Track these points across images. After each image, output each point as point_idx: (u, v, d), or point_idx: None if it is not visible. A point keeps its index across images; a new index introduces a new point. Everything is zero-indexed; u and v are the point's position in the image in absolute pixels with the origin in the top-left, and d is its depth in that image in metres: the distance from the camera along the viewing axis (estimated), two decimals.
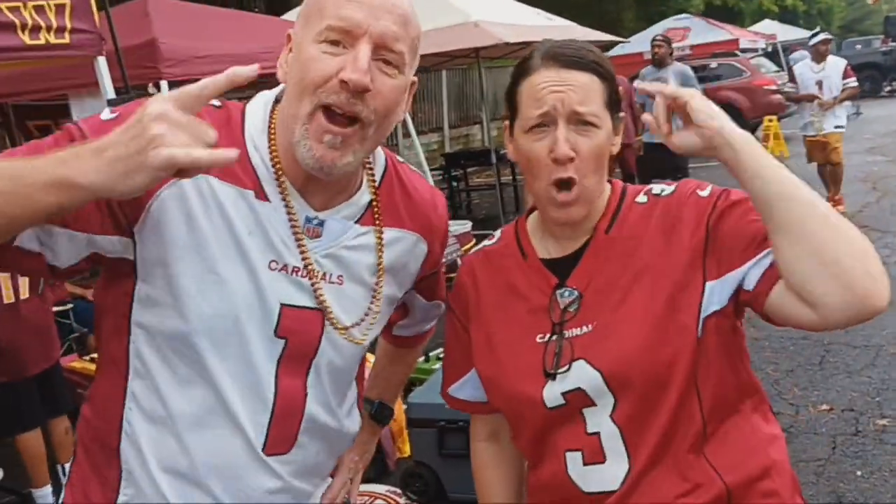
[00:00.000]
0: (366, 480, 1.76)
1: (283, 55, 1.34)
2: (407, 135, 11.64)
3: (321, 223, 1.36)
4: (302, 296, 1.34)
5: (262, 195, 1.31)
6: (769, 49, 22.56)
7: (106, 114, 1.27)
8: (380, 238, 1.42)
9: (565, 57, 1.39)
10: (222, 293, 1.28)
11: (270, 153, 1.33)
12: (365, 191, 1.42)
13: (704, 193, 1.40)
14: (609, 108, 1.41)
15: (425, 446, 3.83)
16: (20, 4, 3.29)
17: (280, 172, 1.33)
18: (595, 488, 1.41)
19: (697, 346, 1.35)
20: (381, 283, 1.43)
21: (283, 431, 1.36)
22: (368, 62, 1.23)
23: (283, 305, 1.32)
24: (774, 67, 19.56)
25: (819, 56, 9.36)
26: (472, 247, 8.43)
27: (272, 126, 1.35)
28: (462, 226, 8.51)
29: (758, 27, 28.02)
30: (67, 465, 4.17)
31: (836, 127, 9.10)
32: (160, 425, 1.32)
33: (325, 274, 1.36)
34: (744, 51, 19.59)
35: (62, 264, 1.25)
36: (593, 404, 1.39)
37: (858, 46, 27.48)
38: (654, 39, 9.00)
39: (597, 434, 1.39)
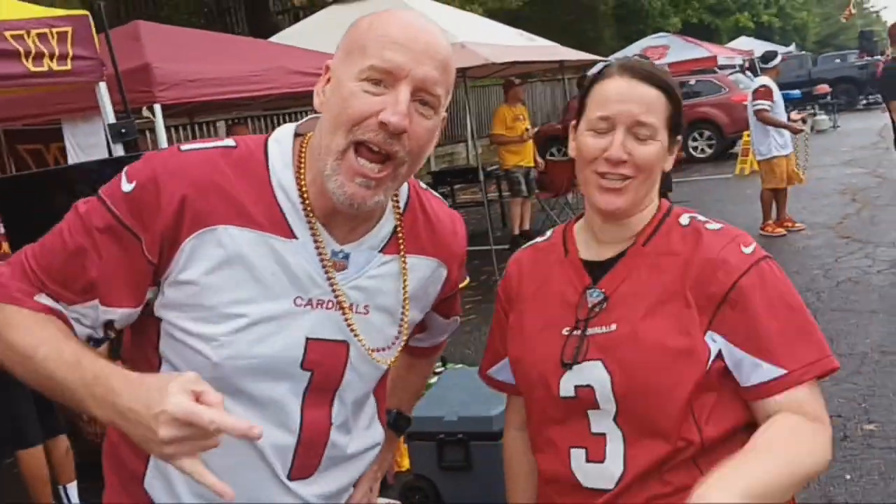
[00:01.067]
0: None
1: (320, 84, 1.36)
2: None
3: (346, 256, 1.38)
4: (329, 329, 1.37)
5: (287, 233, 1.33)
6: (746, 65, 22.84)
7: (125, 184, 1.29)
8: (404, 266, 1.45)
9: (640, 71, 1.48)
10: (247, 336, 1.31)
11: (299, 188, 1.35)
12: (389, 219, 1.44)
13: (747, 250, 1.44)
14: (669, 127, 1.49)
15: (425, 459, 3.86)
16: (24, 32, 3.35)
17: (309, 208, 1.34)
18: (593, 484, 1.48)
19: (704, 379, 1.40)
20: (406, 310, 1.46)
21: (307, 460, 1.42)
22: (408, 105, 1.26)
23: (308, 340, 1.36)
24: (752, 84, 19.76)
25: (778, 76, 9.12)
26: None
27: (301, 160, 1.36)
28: None
29: (734, 44, 28.38)
30: (70, 487, 4.18)
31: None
32: None
33: (351, 305, 1.39)
34: (722, 67, 19.83)
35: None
36: (598, 407, 1.46)
37: (837, 61, 27.96)
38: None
39: (603, 436, 1.47)
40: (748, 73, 19.91)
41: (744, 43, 28.50)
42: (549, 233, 1.70)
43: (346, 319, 1.38)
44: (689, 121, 15.85)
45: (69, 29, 3.53)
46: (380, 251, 1.43)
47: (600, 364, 1.45)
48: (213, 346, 1.31)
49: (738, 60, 22.74)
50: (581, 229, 1.61)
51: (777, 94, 8.74)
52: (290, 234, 1.34)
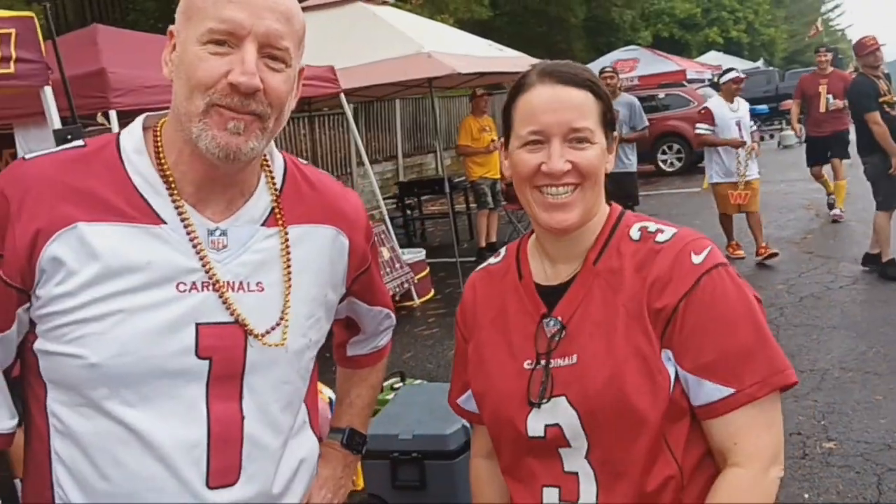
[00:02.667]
0: None
1: (166, 52, 1.32)
2: (361, 163, 11.64)
3: (224, 233, 1.34)
4: (216, 311, 1.31)
5: (154, 219, 1.30)
6: (715, 79, 23.07)
7: None
8: (285, 237, 1.40)
9: (561, 74, 1.40)
10: (129, 328, 1.26)
11: (162, 172, 1.32)
12: (263, 191, 1.40)
13: (697, 260, 1.36)
14: (604, 126, 1.41)
15: (378, 478, 3.77)
16: None
17: (174, 191, 1.31)
18: None
19: (670, 407, 1.34)
20: (290, 282, 1.39)
21: (225, 460, 1.32)
22: (255, 62, 1.24)
23: (199, 325, 1.29)
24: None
25: (731, 95, 8.55)
26: (426, 275, 8.47)
27: (158, 147, 1.33)
28: (416, 254, 8.50)
29: (704, 58, 28.70)
30: None
31: (758, 173, 8.53)
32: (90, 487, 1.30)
33: (241, 283, 1.34)
34: (690, 81, 20.00)
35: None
36: (568, 445, 1.38)
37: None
38: (602, 71, 9.14)
39: (575, 474, 1.39)
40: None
41: (713, 58, 28.82)
42: (502, 251, 1.61)
43: (225, 300, 1.31)
44: (658, 134, 15.95)
45: (12, 31, 3.41)
46: (262, 225, 1.38)
47: (564, 400, 1.37)
48: (93, 347, 1.25)
49: (706, 75, 22.94)
50: (534, 248, 1.53)
51: (729, 113, 8.40)
52: (158, 220, 1.30)
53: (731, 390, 1.32)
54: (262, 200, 1.39)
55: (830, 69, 10.25)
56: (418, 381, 5.05)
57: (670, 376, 1.34)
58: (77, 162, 1.31)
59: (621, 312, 1.37)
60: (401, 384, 4.71)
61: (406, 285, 8.00)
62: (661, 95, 17.67)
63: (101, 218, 1.27)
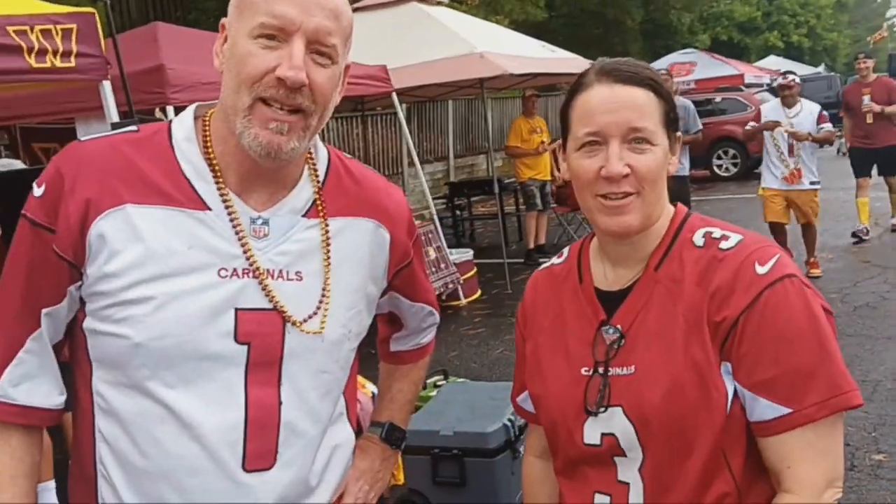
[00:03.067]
0: None
1: (217, 44, 1.36)
2: (412, 163, 11.70)
3: (265, 222, 1.37)
4: (256, 298, 1.34)
5: (200, 205, 1.33)
6: (773, 84, 22.67)
7: (36, 191, 1.32)
8: (325, 228, 1.42)
9: (621, 73, 1.35)
10: (171, 312, 1.29)
11: (208, 160, 1.35)
12: (307, 183, 1.43)
13: (761, 270, 1.29)
14: (666, 127, 1.36)
15: (419, 474, 3.81)
16: (27, 28, 3.34)
17: (220, 179, 1.35)
18: None
19: (727, 422, 1.30)
20: (329, 273, 1.41)
21: (261, 445, 1.34)
22: (303, 58, 1.27)
23: (237, 310, 1.32)
24: None
25: (784, 99, 7.96)
26: (473, 276, 8.48)
27: (206, 136, 1.37)
28: (464, 254, 8.52)
29: (763, 63, 28.20)
30: (45, 487, 4.14)
31: (812, 183, 7.80)
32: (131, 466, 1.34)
33: (280, 272, 1.36)
34: (749, 86, 19.68)
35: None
36: (624, 455, 1.36)
37: None
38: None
39: (627, 485, 1.37)
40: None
41: (773, 62, 28.29)
42: (565, 252, 1.58)
43: (265, 287, 1.34)
44: (714, 139, 15.72)
45: (74, 26, 3.51)
46: (303, 216, 1.41)
47: (620, 411, 1.35)
48: (136, 328, 1.29)
49: (765, 79, 22.56)
50: (595, 250, 1.49)
51: (779, 116, 7.88)
52: (204, 206, 1.33)
53: (788, 410, 1.26)
54: (304, 192, 1.42)
55: (874, 76, 9.68)
56: (461, 380, 5.07)
57: (728, 392, 1.30)
58: (130, 144, 1.35)
59: (680, 323, 1.32)
60: (444, 382, 4.73)
61: (451, 286, 8.01)
62: (718, 99, 17.40)
63: (149, 201, 1.31)
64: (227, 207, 1.34)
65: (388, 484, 4.22)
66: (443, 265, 7.94)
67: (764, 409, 1.28)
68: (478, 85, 8.89)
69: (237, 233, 1.34)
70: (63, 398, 1.38)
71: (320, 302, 1.40)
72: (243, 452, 1.33)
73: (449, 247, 8.39)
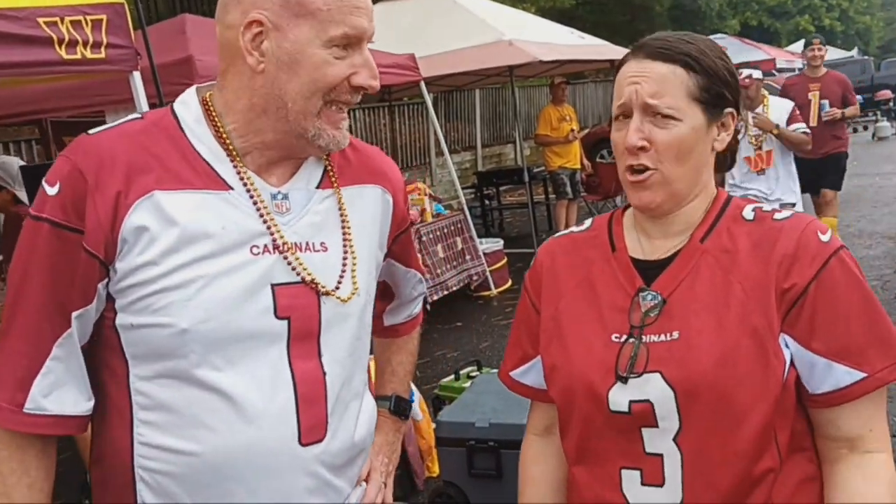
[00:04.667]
0: (395, 499, 1.72)
1: (248, 40, 1.30)
2: (440, 153, 11.65)
3: (286, 196, 1.38)
4: (288, 272, 1.35)
5: (222, 185, 1.34)
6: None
7: (49, 190, 1.29)
8: (339, 197, 1.45)
9: (651, 47, 1.36)
10: (212, 293, 1.29)
11: (220, 141, 1.35)
12: (315, 157, 1.45)
13: (825, 238, 1.32)
14: (699, 102, 1.34)
15: (454, 466, 3.77)
16: (57, 19, 3.32)
17: (235, 156, 1.35)
18: None
19: (782, 394, 1.29)
20: (349, 239, 1.44)
21: (312, 418, 1.35)
22: None
23: (273, 286, 1.33)
24: None
25: (746, 102, 5.78)
26: (502, 266, 8.43)
27: (212, 115, 1.36)
28: (494, 244, 8.47)
29: (794, 47, 27.77)
30: None
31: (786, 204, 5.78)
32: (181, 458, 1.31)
33: (308, 244, 1.38)
34: (780, 70, 19.39)
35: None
36: (655, 425, 1.32)
37: None
38: None
39: (659, 456, 1.32)
40: None
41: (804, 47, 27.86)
42: (587, 222, 1.55)
43: (293, 260, 1.36)
44: None
45: (104, 17, 3.50)
46: (317, 187, 1.44)
47: (659, 377, 1.30)
48: (181, 314, 1.27)
49: (797, 63, 22.23)
50: (630, 223, 1.47)
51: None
52: (226, 186, 1.34)
53: (863, 374, 1.28)
54: (315, 165, 1.45)
55: (824, 70, 7.67)
56: (494, 370, 5.02)
57: (786, 361, 1.29)
58: (142, 133, 1.34)
59: (736, 291, 1.31)
60: (477, 373, 4.68)
61: (477, 277, 7.99)
62: None
63: (175, 186, 1.30)
64: (245, 186, 1.35)
65: (423, 477, 4.20)
66: (468, 256, 7.90)
67: (839, 375, 1.28)
68: (506, 73, 8.83)
69: (259, 210, 1.35)
70: (91, 403, 1.35)
71: (344, 269, 1.42)
72: (298, 428, 1.33)
73: (478, 236, 8.34)
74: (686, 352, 1.30)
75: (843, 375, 1.28)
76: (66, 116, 6.26)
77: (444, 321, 7.33)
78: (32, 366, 1.28)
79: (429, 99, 8.98)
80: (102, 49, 3.53)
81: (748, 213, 1.39)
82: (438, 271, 7.46)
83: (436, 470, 4.05)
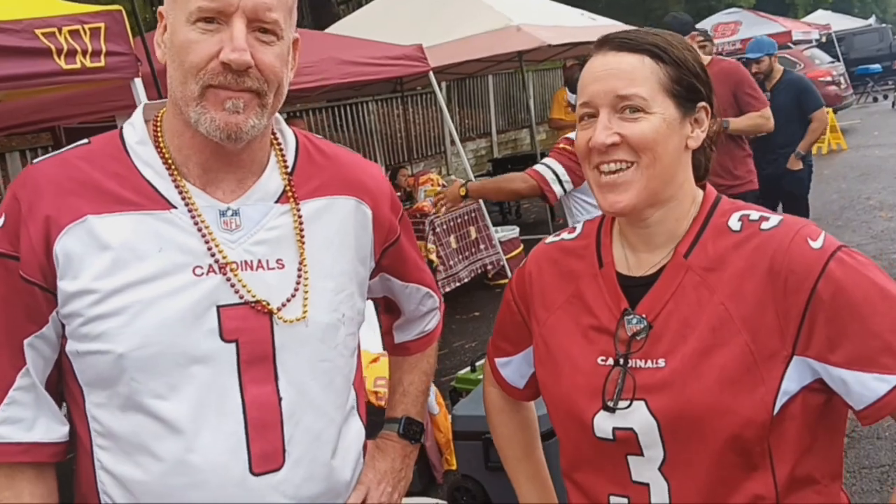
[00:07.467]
0: (413, 493, 1.68)
1: (158, 34, 1.32)
2: (454, 142, 11.60)
3: (236, 213, 1.33)
4: (233, 293, 1.30)
5: (164, 205, 1.30)
6: (823, 40, 22.00)
7: None
8: (297, 212, 1.38)
9: (616, 41, 1.29)
10: (150, 318, 1.25)
11: (163, 159, 1.32)
12: (274, 169, 1.39)
13: (816, 244, 1.21)
14: (671, 95, 1.27)
15: (471, 459, 3.76)
16: (55, 30, 3.33)
17: (176, 175, 1.31)
18: None
19: (772, 423, 1.20)
20: (304, 256, 1.37)
21: (265, 445, 1.30)
22: (245, 38, 1.23)
23: (219, 307, 1.28)
24: (829, 58, 19.06)
25: None
26: (518, 253, 8.39)
27: (158, 136, 1.34)
28: (510, 231, 8.44)
29: (811, 18, 27.35)
30: None
31: None
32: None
33: (260, 262, 1.32)
34: (797, 43, 19.11)
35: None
36: (640, 454, 1.27)
37: None
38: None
39: (646, 485, 1.28)
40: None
41: (821, 17, 27.38)
42: (578, 228, 1.47)
43: (235, 280, 1.30)
44: None
45: (101, 25, 3.50)
46: (276, 202, 1.37)
47: (643, 406, 1.25)
48: (117, 340, 1.24)
49: (814, 35, 21.89)
50: (617, 233, 1.40)
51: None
52: (167, 205, 1.30)
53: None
54: (273, 177, 1.39)
55: (708, 58, 5.24)
56: None
57: (779, 387, 1.20)
58: (82, 159, 1.31)
59: (721, 313, 1.23)
60: None
61: (492, 267, 7.96)
62: None
63: (111, 209, 1.27)
64: (186, 203, 1.30)
65: (442, 470, 4.19)
66: (482, 246, 7.88)
67: (874, 385, 1.16)
68: (516, 58, 8.76)
69: (200, 229, 1.30)
70: (66, 429, 1.34)
71: (296, 287, 1.35)
72: (248, 456, 1.28)
73: (494, 224, 8.31)
74: (671, 382, 1.24)
75: (876, 385, 1.16)
76: (78, 123, 6.29)
77: (461, 311, 7.32)
78: None
79: (440, 88, 8.93)
80: (102, 57, 3.54)
81: (734, 223, 1.29)
82: (451, 262, 7.46)
83: (454, 463, 4.04)
